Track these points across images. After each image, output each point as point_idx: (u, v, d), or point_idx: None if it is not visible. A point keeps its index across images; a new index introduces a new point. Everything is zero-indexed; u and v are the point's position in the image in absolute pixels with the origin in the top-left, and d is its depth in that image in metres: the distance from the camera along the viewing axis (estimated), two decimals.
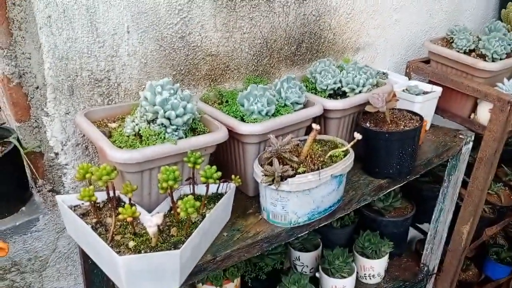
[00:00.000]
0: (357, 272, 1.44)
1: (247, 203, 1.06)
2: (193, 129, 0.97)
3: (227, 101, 1.13)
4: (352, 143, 1.05)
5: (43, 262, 1.03)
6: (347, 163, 1.02)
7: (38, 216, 1.00)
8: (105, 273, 0.80)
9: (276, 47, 1.32)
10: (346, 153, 1.04)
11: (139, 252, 0.77)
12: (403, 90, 1.43)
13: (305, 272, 1.47)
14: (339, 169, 0.99)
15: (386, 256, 1.51)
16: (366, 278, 1.51)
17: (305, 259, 1.46)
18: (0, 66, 0.92)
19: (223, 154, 1.10)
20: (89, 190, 0.80)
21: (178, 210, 0.77)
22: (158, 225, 0.75)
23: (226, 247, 0.90)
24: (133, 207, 0.77)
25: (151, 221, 0.75)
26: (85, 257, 1.03)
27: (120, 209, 0.77)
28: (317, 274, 1.43)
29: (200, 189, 0.93)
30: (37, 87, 0.94)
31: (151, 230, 0.75)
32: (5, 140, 0.96)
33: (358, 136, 1.04)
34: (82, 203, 0.88)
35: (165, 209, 0.88)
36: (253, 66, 1.29)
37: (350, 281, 1.40)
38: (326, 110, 1.15)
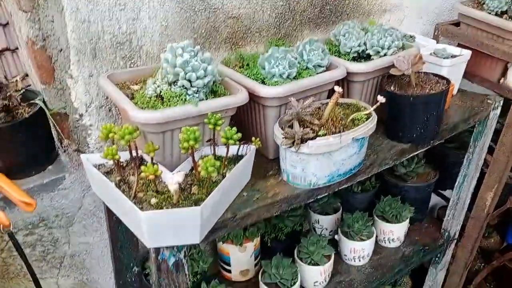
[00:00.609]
0: (376, 236, 1.45)
1: (267, 165, 1.07)
2: (213, 92, 0.97)
3: (248, 64, 1.12)
4: (375, 106, 1.03)
5: (70, 218, 1.08)
6: (370, 126, 1.01)
7: (64, 174, 1.04)
8: (129, 228, 0.83)
9: (299, 9, 1.29)
10: (368, 116, 1.03)
11: (161, 208, 0.79)
12: (431, 54, 1.38)
13: (324, 235, 1.49)
14: (361, 132, 0.98)
15: (407, 221, 1.51)
16: (385, 242, 1.53)
17: (324, 222, 1.47)
18: (25, 29, 0.93)
19: (244, 117, 1.11)
20: (112, 149, 0.82)
21: (199, 169, 0.78)
22: (180, 183, 0.77)
23: (246, 206, 0.91)
24: (155, 166, 0.79)
25: (173, 179, 0.77)
26: (110, 214, 1.08)
27: (142, 167, 0.79)
28: (336, 237, 1.45)
29: (221, 151, 0.94)
30: (61, 50, 0.95)
31: (173, 187, 0.77)
32: (31, 102, 0.99)
33: (381, 99, 1.03)
34: (106, 162, 0.91)
35: (187, 169, 0.90)
36: (275, 29, 1.27)
37: (369, 244, 1.41)
38: (349, 73, 1.13)
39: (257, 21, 1.22)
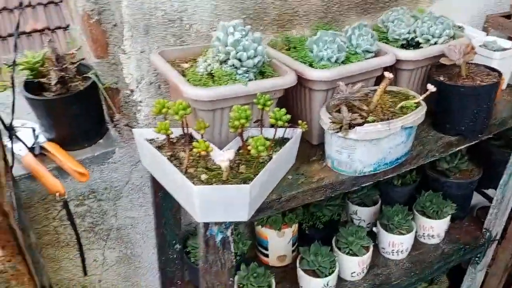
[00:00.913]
0: (415, 231, 1.42)
1: (310, 150, 1.06)
2: (262, 73, 0.97)
3: (295, 47, 1.11)
4: (425, 95, 1.01)
5: (118, 192, 1.11)
6: (419, 115, 0.98)
7: (114, 148, 1.06)
8: (179, 202, 0.85)
9: None
10: (418, 105, 1.01)
11: (211, 185, 0.80)
12: (480, 46, 1.33)
13: (362, 226, 1.47)
14: (410, 121, 0.96)
15: (448, 218, 1.47)
16: (424, 238, 1.49)
17: (362, 214, 1.45)
18: (81, 2, 0.96)
19: (289, 101, 1.10)
20: (165, 124, 0.84)
21: (249, 147, 0.79)
22: (230, 160, 0.78)
23: (291, 189, 0.91)
24: (206, 142, 0.80)
25: (224, 156, 0.78)
26: (156, 190, 1.10)
27: (194, 143, 0.80)
28: (374, 229, 1.43)
29: (267, 133, 0.94)
30: (115, 25, 0.97)
31: (224, 164, 0.77)
32: (84, 75, 1.02)
33: (431, 88, 1.00)
34: (157, 137, 0.93)
35: (234, 148, 0.91)
36: (322, 13, 1.25)
37: (408, 238, 1.38)
38: (398, 61, 1.10)
39: (304, 4, 1.20)
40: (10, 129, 0.92)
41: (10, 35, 4.09)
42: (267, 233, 1.29)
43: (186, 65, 0.99)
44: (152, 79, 1.05)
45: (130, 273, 1.25)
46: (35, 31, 4.05)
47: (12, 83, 0.93)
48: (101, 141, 1.08)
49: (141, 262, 1.25)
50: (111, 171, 1.08)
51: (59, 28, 4.16)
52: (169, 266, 1.23)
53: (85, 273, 1.02)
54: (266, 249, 1.33)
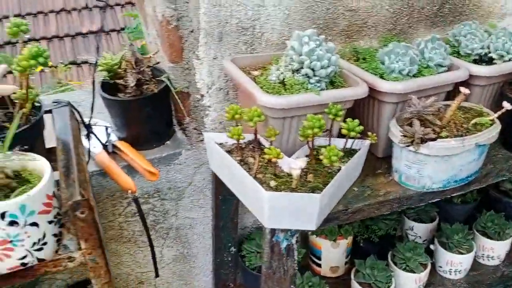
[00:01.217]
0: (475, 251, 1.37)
1: (376, 163, 1.05)
2: (332, 83, 0.97)
3: (364, 58, 1.10)
4: (500, 112, 0.97)
5: (180, 192, 1.14)
6: (493, 133, 0.95)
7: (181, 150, 1.09)
8: (246, 206, 0.86)
9: (417, 5, 1.24)
10: (492, 122, 0.97)
11: (280, 191, 0.81)
12: None
13: (417, 243, 1.43)
14: (484, 138, 0.93)
15: (510, 240, 1.40)
16: (483, 259, 1.43)
17: (419, 230, 1.42)
18: (161, 8, 1.00)
19: (355, 112, 1.09)
20: (239, 130, 0.85)
21: (321, 157, 0.79)
22: (302, 168, 0.78)
23: (358, 201, 0.91)
24: (278, 149, 0.81)
25: (296, 164, 0.78)
26: (217, 193, 1.12)
27: (266, 150, 0.81)
28: (432, 246, 1.39)
29: (335, 143, 0.94)
30: (192, 31, 1.01)
31: (295, 172, 0.78)
32: (158, 78, 1.05)
33: (507, 106, 0.96)
34: (226, 142, 0.95)
35: (302, 156, 0.91)
36: (391, 25, 1.23)
37: (467, 258, 1.33)
38: (470, 76, 1.07)
39: (374, 15, 1.19)
40: (88, 127, 0.97)
41: (67, 35, 4.32)
42: (322, 243, 1.28)
43: (256, 73, 1.01)
44: (221, 85, 1.07)
45: (184, 273, 1.28)
46: (91, 32, 4.27)
47: (93, 84, 0.98)
48: (168, 142, 1.11)
49: (196, 262, 1.28)
50: (176, 172, 1.11)
51: (113, 30, 4.36)
52: (223, 268, 1.25)
53: (157, 275, 1.03)
54: (319, 259, 1.32)
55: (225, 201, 1.13)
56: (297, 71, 0.92)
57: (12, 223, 0.63)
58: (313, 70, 0.90)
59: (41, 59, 0.73)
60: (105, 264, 0.72)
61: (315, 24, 1.12)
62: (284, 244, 0.83)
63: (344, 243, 1.29)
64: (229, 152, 0.91)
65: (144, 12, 1.21)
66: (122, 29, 4.07)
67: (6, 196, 0.68)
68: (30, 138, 0.76)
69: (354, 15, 1.17)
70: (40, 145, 0.81)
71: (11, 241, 0.65)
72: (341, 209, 0.88)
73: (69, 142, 0.81)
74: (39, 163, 0.71)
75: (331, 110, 0.87)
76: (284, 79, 0.93)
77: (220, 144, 0.94)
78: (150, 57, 1.03)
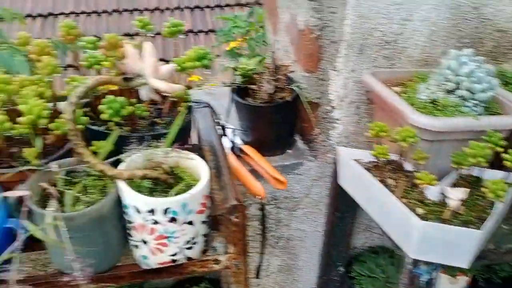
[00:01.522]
0: None
1: None
2: (486, 108, 0.89)
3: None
4: None
5: (296, 203, 1.12)
6: None
7: (302, 161, 1.07)
8: (384, 229, 0.81)
9: None
10: None
11: (427, 221, 0.75)
12: None
13: None
14: None
15: None
16: None
17: None
18: (305, 17, 0.98)
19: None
20: (384, 149, 0.81)
21: (486, 191, 0.72)
22: (462, 200, 0.72)
23: (509, 241, 0.82)
24: (431, 175, 0.75)
25: (454, 195, 0.72)
26: (334, 209, 1.08)
27: (418, 175, 0.76)
28: None
29: (486, 175, 0.86)
30: (333, 42, 0.98)
31: (454, 203, 0.72)
32: (290, 86, 1.04)
33: None
34: (361, 159, 0.90)
35: (448, 184, 0.84)
36: None
37: None
38: None
39: None
40: (224, 129, 0.97)
41: (158, 33, 4.51)
42: (439, 277, 1.19)
43: (397, 89, 0.95)
44: (353, 99, 1.03)
45: (287, 284, 1.25)
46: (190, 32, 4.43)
47: (232, 88, 0.99)
48: (290, 151, 1.09)
49: (300, 276, 1.24)
50: (295, 182, 1.09)
51: (201, 31, 4.50)
52: (328, 287, 1.20)
53: (258, 276, 1.03)
54: None
55: (342, 219, 1.09)
56: (451, 91, 0.86)
57: (172, 219, 0.64)
58: (471, 92, 0.83)
59: (205, 61, 0.74)
60: (245, 272, 0.71)
61: (460, 42, 1.05)
62: (425, 278, 0.77)
63: (463, 281, 1.18)
64: (367, 170, 0.87)
65: (275, 18, 1.20)
66: (210, 30, 4.22)
67: (164, 191, 0.69)
68: (182, 136, 0.78)
69: (504, 36, 1.07)
70: (187, 144, 0.83)
71: (167, 237, 0.66)
72: (492, 248, 0.80)
73: (215, 143, 0.81)
74: (194, 162, 0.72)
75: (491, 138, 0.79)
76: (435, 99, 0.87)
77: (355, 161, 0.90)
78: (288, 65, 1.02)
